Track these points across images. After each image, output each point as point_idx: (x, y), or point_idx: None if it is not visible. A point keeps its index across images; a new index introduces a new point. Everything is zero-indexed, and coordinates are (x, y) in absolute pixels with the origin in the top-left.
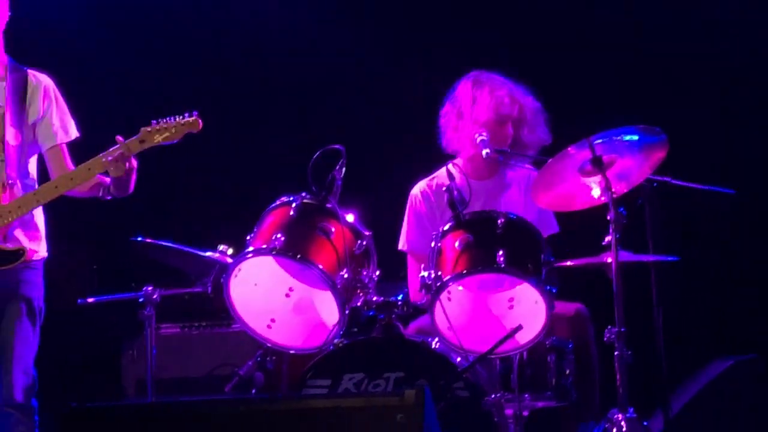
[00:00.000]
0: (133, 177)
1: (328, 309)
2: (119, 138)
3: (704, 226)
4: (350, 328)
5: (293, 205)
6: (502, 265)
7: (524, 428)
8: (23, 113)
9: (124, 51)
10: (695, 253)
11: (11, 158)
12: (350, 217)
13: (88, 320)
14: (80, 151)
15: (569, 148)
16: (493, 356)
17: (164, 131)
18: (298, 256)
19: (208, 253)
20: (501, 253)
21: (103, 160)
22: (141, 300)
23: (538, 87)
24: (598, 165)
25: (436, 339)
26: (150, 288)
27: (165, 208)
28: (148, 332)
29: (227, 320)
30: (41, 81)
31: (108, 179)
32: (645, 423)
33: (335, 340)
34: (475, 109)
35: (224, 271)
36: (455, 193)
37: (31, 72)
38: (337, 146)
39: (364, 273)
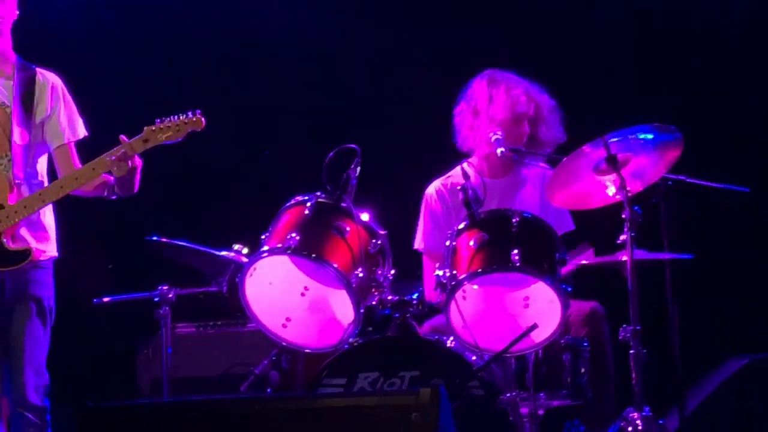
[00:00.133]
0: (137, 176)
1: (343, 308)
2: (123, 137)
3: (719, 224)
4: (365, 327)
5: (308, 204)
6: (517, 264)
7: (539, 427)
8: (31, 112)
9: (135, 50)
10: (710, 252)
11: (18, 158)
12: (365, 216)
13: (103, 320)
14: (89, 150)
15: (584, 147)
16: (508, 355)
17: (167, 130)
18: (313, 256)
19: (224, 253)
20: (516, 251)
21: (107, 159)
22: (156, 299)
23: (553, 85)
24: (613, 163)
25: (451, 338)
26: (165, 287)
27: (180, 207)
28: (164, 331)
29: (242, 319)
30: (49, 79)
31: (112, 179)
32: (660, 421)
33: (350, 339)
34: (492, 108)
35: (239, 270)
36: (470, 192)
37: (39, 70)
38: (352, 145)
39: (379, 272)
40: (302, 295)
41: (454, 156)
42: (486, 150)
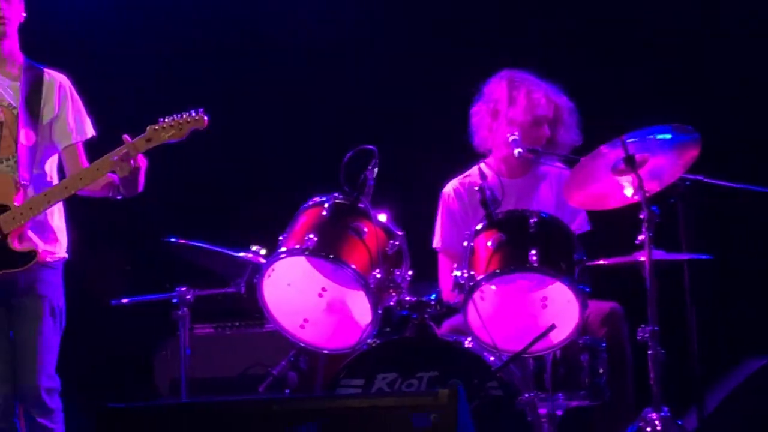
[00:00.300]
0: (141, 176)
1: (361, 309)
2: (126, 137)
3: (737, 224)
4: (383, 328)
5: (326, 205)
6: (535, 265)
7: (558, 428)
8: (38, 113)
9: (145, 49)
10: (728, 252)
11: (24, 159)
12: (383, 217)
13: (122, 321)
14: (97, 150)
15: (602, 147)
16: (526, 355)
17: (170, 129)
18: (331, 256)
19: (242, 254)
20: (534, 252)
21: (110, 159)
22: (175, 301)
23: (569, 85)
24: (630, 164)
25: (470, 338)
26: (184, 288)
27: (198, 209)
28: (182, 332)
29: (260, 320)
30: (56, 79)
31: (118, 178)
32: (679, 422)
33: (368, 340)
34: (512, 110)
35: (257, 271)
36: (487, 192)
37: (46, 71)
38: (369, 146)
39: (397, 273)
40: (320, 296)
41: (471, 156)
42: (504, 151)
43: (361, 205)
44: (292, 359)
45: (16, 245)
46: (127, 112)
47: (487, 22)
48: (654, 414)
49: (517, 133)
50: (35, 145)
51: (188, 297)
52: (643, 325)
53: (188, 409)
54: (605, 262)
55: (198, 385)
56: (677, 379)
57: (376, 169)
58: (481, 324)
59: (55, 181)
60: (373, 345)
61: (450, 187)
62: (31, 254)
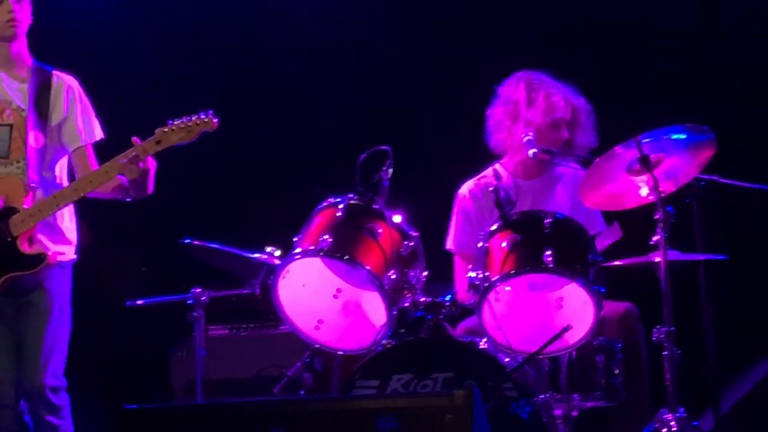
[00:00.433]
0: (151, 178)
1: (375, 310)
2: (135, 139)
3: (752, 224)
4: (398, 329)
5: (340, 206)
6: (550, 265)
7: (573, 428)
8: (46, 115)
9: (159, 49)
10: (744, 252)
11: (33, 161)
12: (397, 218)
13: (137, 322)
14: (106, 152)
15: (616, 148)
16: (541, 356)
17: (179, 131)
18: (346, 257)
19: (256, 255)
20: (549, 253)
21: (119, 162)
22: (190, 302)
23: (584, 86)
24: (645, 164)
25: (485, 339)
26: (199, 290)
27: (213, 210)
28: (197, 334)
29: (275, 321)
30: (65, 82)
31: (127, 180)
32: (695, 423)
33: (383, 341)
34: (531, 112)
35: (272, 272)
36: (502, 193)
37: (55, 73)
38: (384, 147)
39: (412, 274)
40: (335, 297)
41: (485, 157)
42: (520, 152)
43: (375, 206)
44: (306, 360)
45: (25, 248)
46: (134, 114)
47: (501, 23)
48: (669, 415)
49: (531, 134)
50: (44, 148)
51: (203, 298)
52: (658, 326)
53: (204, 410)
54: (620, 263)
55: (213, 386)
56: (693, 379)
57: (390, 170)
58: (496, 325)
59: (65, 183)
60: (388, 346)
61: (465, 189)
62: (41, 257)
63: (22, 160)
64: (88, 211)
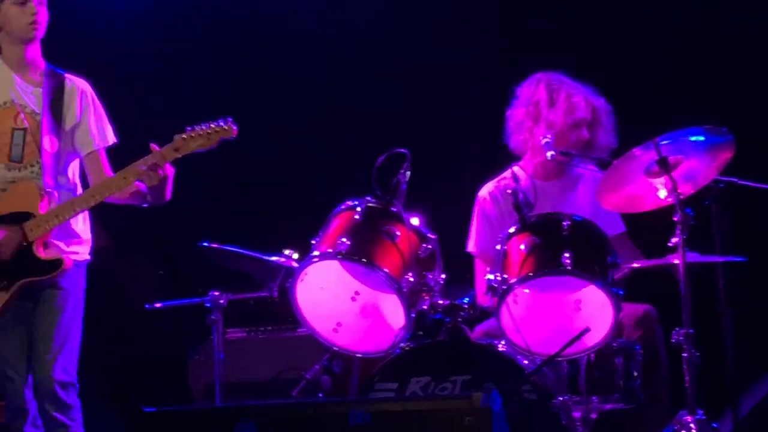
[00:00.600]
0: (169, 185)
1: (394, 313)
2: (153, 146)
3: None
4: (416, 332)
5: (358, 209)
6: (569, 268)
7: (592, 431)
8: (60, 120)
9: (172, 53)
10: (763, 254)
11: (48, 166)
12: (415, 221)
13: (155, 325)
14: (119, 156)
15: (635, 150)
16: (560, 359)
17: (198, 138)
18: (364, 260)
19: (274, 258)
20: (567, 255)
21: (138, 168)
22: (208, 305)
23: (601, 87)
24: (664, 166)
25: (503, 342)
26: (217, 293)
27: (231, 213)
28: (215, 337)
29: (293, 324)
30: (78, 86)
31: (145, 186)
32: (714, 425)
33: (401, 344)
34: (552, 114)
35: (290, 275)
36: (520, 195)
37: (68, 76)
38: (401, 149)
39: (430, 276)
40: (353, 299)
41: (503, 158)
42: (540, 153)
43: (393, 209)
44: (325, 363)
45: (41, 253)
46: (145, 117)
47: (516, 23)
48: (689, 417)
49: (549, 136)
50: (59, 152)
51: (221, 301)
52: (677, 328)
53: (222, 413)
54: (639, 265)
55: (231, 389)
56: (712, 381)
57: (408, 173)
58: (515, 327)
59: (78, 187)
60: (407, 349)
61: (485, 191)
62: (57, 262)
63: (36, 164)
64: (106, 215)
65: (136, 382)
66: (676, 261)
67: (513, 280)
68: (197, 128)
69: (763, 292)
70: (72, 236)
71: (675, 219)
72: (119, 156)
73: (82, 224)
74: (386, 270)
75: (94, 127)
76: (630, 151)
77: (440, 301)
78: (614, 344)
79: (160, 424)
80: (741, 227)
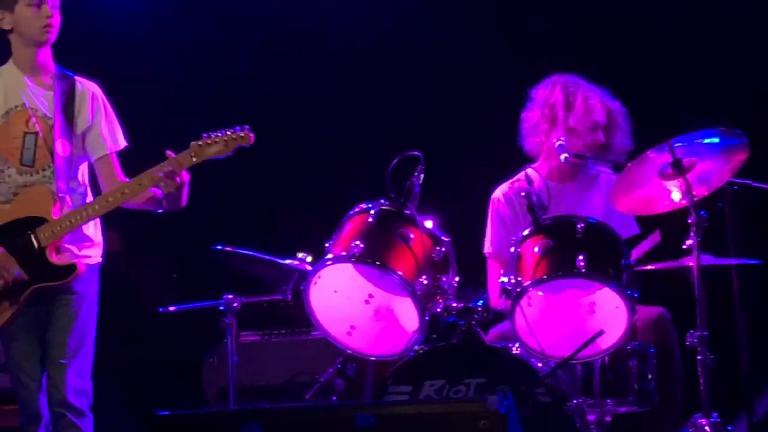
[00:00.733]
0: (185, 191)
1: (407, 315)
2: (169, 153)
3: None
4: (430, 335)
5: (372, 212)
6: (583, 270)
7: None
8: (72, 123)
9: (182, 54)
10: None
11: (61, 170)
12: (429, 224)
13: (169, 328)
14: (131, 160)
15: (649, 152)
16: (574, 361)
17: (215, 145)
18: (378, 263)
19: (288, 261)
20: (581, 257)
21: (154, 174)
22: (221, 308)
23: (615, 89)
24: (678, 168)
25: (517, 344)
26: (230, 296)
27: (244, 216)
28: (229, 340)
29: (307, 327)
30: (89, 89)
31: (160, 192)
32: (729, 428)
33: (415, 347)
34: (569, 116)
35: (304, 278)
36: (534, 197)
37: (78, 79)
38: (415, 152)
39: (444, 279)
40: (367, 302)
41: (518, 160)
42: (554, 155)
43: (407, 212)
44: (339, 366)
45: (54, 258)
46: (155, 120)
47: (529, 26)
48: (704, 420)
49: (563, 139)
50: (71, 156)
51: (235, 304)
52: (692, 331)
53: (236, 417)
54: (653, 267)
55: (245, 392)
56: (726, 384)
57: (422, 175)
58: (529, 330)
59: (89, 191)
60: (421, 352)
61: (499, 192)
62: (71, 268)
63: (48, 168)
64: (119, 219)
65: (150, 386)
66: (691, 263)
67: (527, 283)
68: (213, 135)
69: None
70: (84, 240)
71: (689, 221)
72: (126, 159)
73: (93, 228)
74: (400, 273)
75: (106, 130)
76: (644, 153)
77: (454, 304)
78: (628, 347)
79: (174, 427)
80: (755, 229)
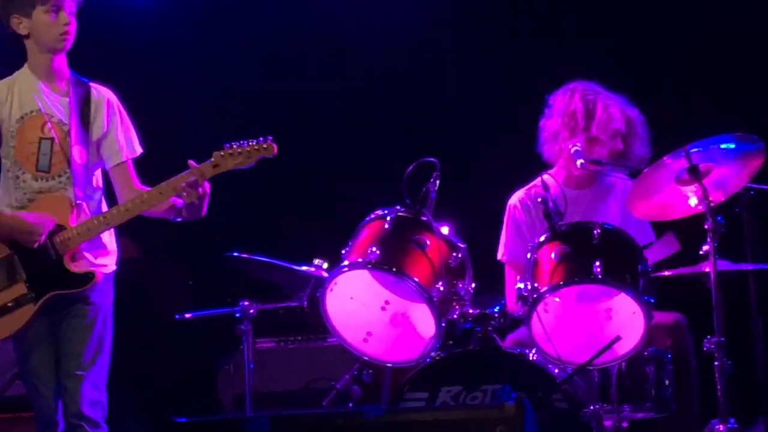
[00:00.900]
0: (206, 201)
1: (424, 322)
2: (192, 163)
3: None
4: (446, 341)
5: (388, 218)
6: (599, 276)
7: None
8: (88, 130)
9: (196, 60)
10: None
11: (78, 177)
12: (445, 230)
13: (185, 335)
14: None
15: (665, 158)
16: (591, 367)
17: (237, 156)
18: (394, 269)
19: (304, 268)
20: (598, 263)
21: (176, 184)
22: (238, 315)
23: (632, 95)
24: (694, 174)
25: (534, 351)
26: (246, 303)
27: (260, 223)
28: (245, 347)
29: (323, 334)
30: (104, 96)
31: (180, 202)
32: None
33: (432, 353)
34: (589, 124)
35: (320, 285)
36: (550, 204)
37: (93, 86)
38: (431, 159)
39: (460, 285)
40: (383, 309)
41: (534, 166)
42: (569, 162)
43: (423, 218)
44: (355, 373)
45: (71, 266)
46: (167, 128)
47: (546, 33)
48: (721, 426)
49: (579, 145)
50: (87, 163)
51: (251, 311)
52: (708, 336)
53: (252, 424)
54: (670, 273)
55: (261, 399)
56: (744, 390)
57: (438, 182)
58: (546, 336)
59: (103, 199)
60: (437, 358)
61: (516, 199)
62: (89, 276)
63: (64, 174)
64: (134, 226)
65: (165, 393)
66: (707, 269)
67: (543, 289)
68: (236, 146)
69: None
70: (99, 248)
71: (706, 227)
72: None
73: (108, 235)
74: (416, 279)
75: (122, 137)
76: (661, 159)
77: (470, 310)
78: (645, 353)
79: None
80: None
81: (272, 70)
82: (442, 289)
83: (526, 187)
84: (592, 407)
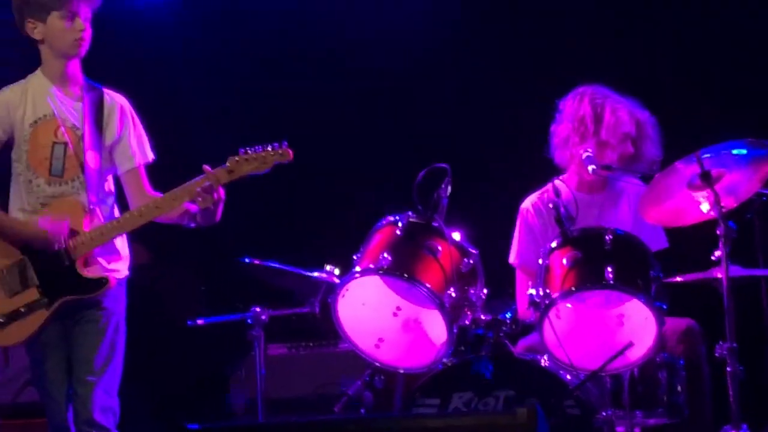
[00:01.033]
0: (220, 207)
1: (436, 328)
2: (207, 168)
3: None
4: (458, 347)
5: (399, 224)
6: (611, 282)
7: None
8: (101, 135)
9: (207, 65)
10: None
11: (92, 182)
12: (456, 236)
13: (197, 341)
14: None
15: (677, 163)
16: (603, 373)
17: (253, 161)
18: (406, 275)
19: (315, 274)
20: (610, 269)
21: (191, 189)
22: (249, 321)
23: (643, 101)
24: (706, 180)
25: (546, 357)
26: (258, 309)
27: (272, 228)
28: (257, 353)
29: (335, 340)
30: (117, 101)
31: (194, 207)
32: None
33: (444, 359)
34: (599, 128)
35: (332, 291)
36: (562, 209)
37: (106, 91)
38: (442, 164)
39: (472, 291)
40: (395, 315)
41: (546, 171)
42: (581, 168)
43: (434, 224)
44: (367, 379)
45: (84, 271)
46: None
47: (556, 37)
48: (733, 431)
49: (590, 150)
50: (100, 168)
51: (263, 317)
52: (721, 342)
53: (264, 430)
54: (682, 279)
55: (272, 404)
56: (756, 396)
57: (449, 188)
58: (557, 342)
59: (115, 204)
60: (449, 364)
61: (528, 203)
62: (103, 281)
63: (77, 179)
64: (146, 231)
65: (177, 399)
66: (719, 275)
67: (555, 295)
68: (251, 151)
69: None
70: (112, 253)
71: (717, 232)
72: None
73: (120, 241)
74: (428, 285)
75: (135, 143)
76: (672, 164)
77: (482, 316)
78: (657, 359)
79: None
80: None
81: (285, 75)
82: (453, 295)
83: (539, 192)
84: (604, 413)
